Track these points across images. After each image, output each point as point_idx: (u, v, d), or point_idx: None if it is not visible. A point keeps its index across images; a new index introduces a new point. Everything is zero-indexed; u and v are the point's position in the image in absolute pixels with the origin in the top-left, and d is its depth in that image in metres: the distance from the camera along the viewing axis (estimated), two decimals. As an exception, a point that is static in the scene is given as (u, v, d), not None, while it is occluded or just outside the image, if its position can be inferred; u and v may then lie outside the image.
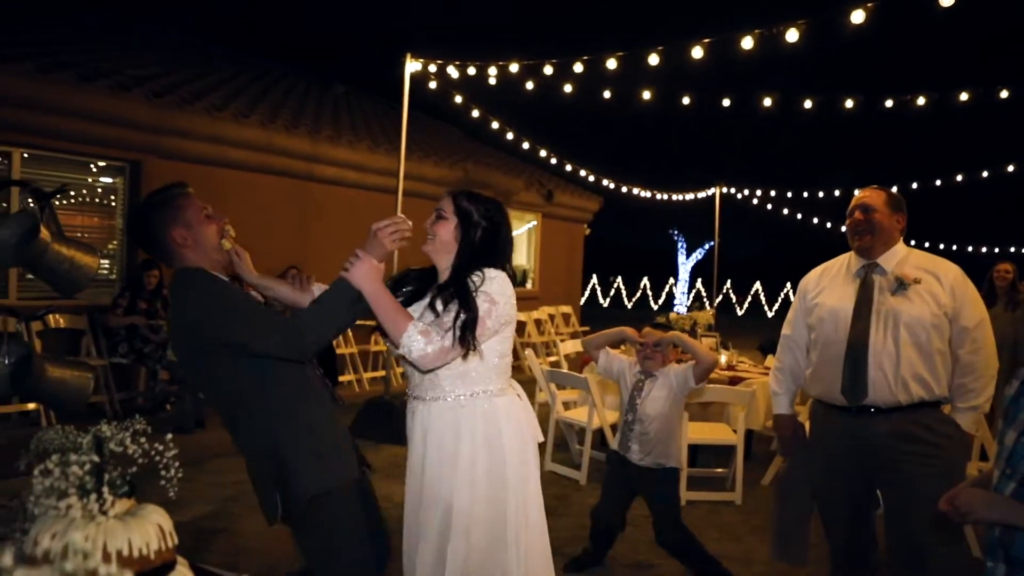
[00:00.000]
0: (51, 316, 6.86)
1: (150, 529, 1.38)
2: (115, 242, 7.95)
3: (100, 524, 1.31)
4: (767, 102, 7.04)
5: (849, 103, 6.90)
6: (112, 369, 7.08)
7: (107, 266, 7.98)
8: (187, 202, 2.46)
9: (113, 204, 7.94)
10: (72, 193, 7.82)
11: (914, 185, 11.32)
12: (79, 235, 7.42)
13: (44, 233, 1.90)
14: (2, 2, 9.81)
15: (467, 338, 2.31)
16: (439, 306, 2.39)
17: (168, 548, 1.41)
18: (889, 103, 6.88)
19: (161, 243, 2.38)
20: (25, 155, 7.05)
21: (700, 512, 5.20)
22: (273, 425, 2.39)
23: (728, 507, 5.38)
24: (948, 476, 2.81)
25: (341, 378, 8.83)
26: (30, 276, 6.84)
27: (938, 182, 11.14)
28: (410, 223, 2.43)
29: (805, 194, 13.11)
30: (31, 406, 6.26)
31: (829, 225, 14.68)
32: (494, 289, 2.39)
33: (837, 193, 12.36)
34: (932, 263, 3.16)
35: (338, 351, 8.90)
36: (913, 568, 3.02)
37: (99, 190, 7.93)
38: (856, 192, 3.36)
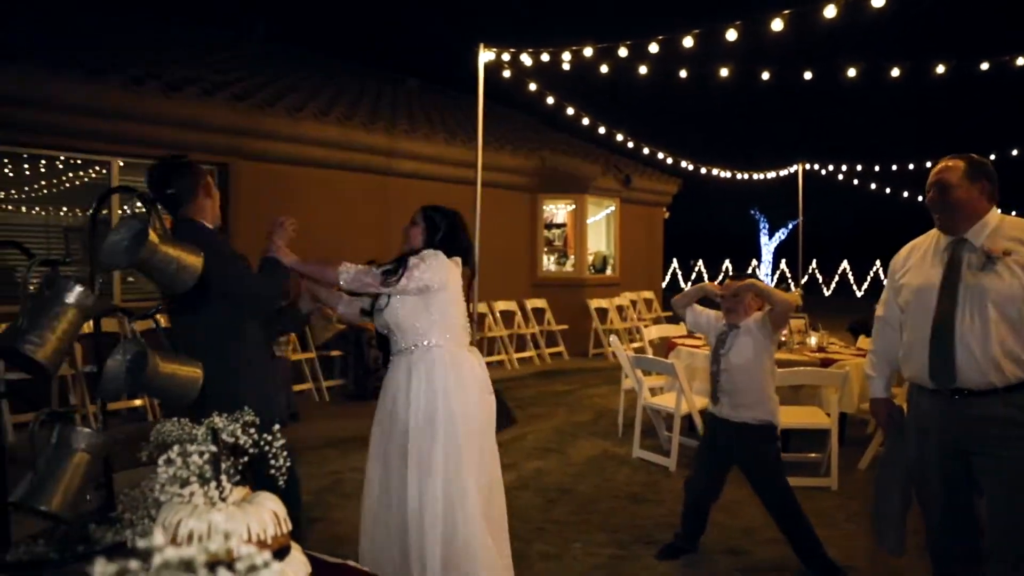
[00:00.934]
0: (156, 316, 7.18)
1: (266, 516, 1.44)
2: (207, 243, 8.26)
3: (221, 510, 1.37)
4: (850, 72, 6.77)
5: (940, 68, 6.58)
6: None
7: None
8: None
9: (204, 207, 8.25)
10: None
11: (1014, 152, 10.70)
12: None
13: (152, 236, 1.99)
14: (86, 18, 10.30)
15: (387, 275, 3.27)
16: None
17: (283, 533, 1.46)
18: (984, 66, 6.52)
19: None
20: (121, 164, 7.39)
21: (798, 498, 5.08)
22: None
23: (824, 493, 5.24)
24: None
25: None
26: (131, 279, 7.19)
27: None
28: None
29: (894, 167, 12.55)
30: (138, 402, 6.59)
31: (921, 198, 13.99)
32: (427, 255, 3.30)
33: (929, 164, 11.77)
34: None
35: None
36: (1011, 563, 2.86)
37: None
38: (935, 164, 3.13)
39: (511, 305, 10.73)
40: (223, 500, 1.40)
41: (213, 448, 1.43)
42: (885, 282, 3.44)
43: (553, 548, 4.23)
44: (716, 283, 4.21)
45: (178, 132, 7.41)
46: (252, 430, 1.67)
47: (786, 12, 5.33)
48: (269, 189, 8.25)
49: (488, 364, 10.88)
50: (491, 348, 10.47)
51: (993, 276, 2.87)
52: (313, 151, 8.64)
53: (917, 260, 3.16)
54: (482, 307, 9.72)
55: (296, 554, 1.50)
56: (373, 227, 9.28)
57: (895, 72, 6.78)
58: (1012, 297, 2.83)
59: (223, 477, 1.42)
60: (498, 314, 10.47)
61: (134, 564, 0.66)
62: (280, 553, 1.46)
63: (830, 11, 5.16)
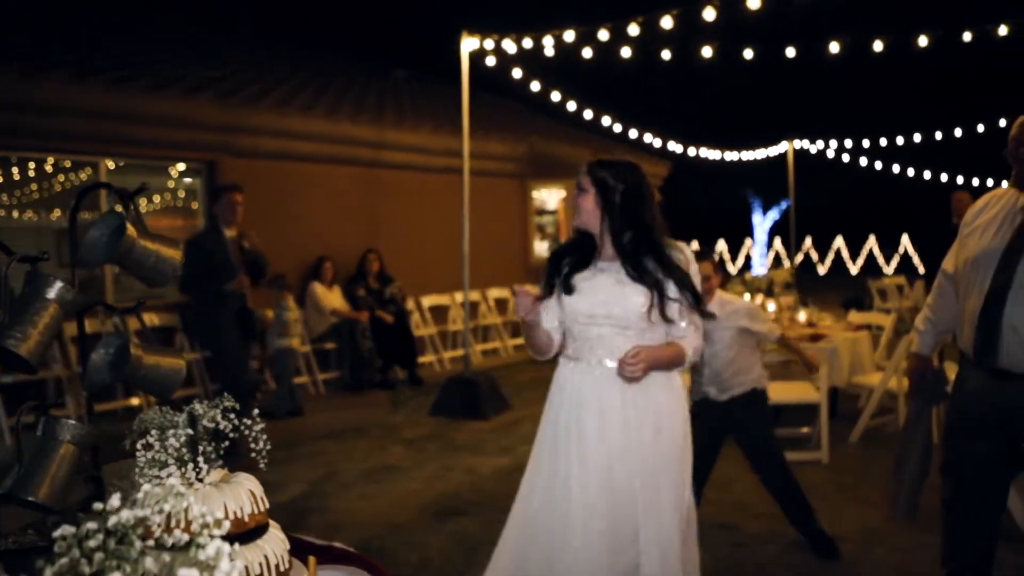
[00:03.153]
0: (145, 315, 7.21)
1: (243, 495, 1.48)
2: (199, 241, 8.28)
3: (198, 490, 1.41)
4: (833, 48, 6.79)
5: (923, 41, 6.60)
6: (205, 363, 7.42)
7: (193, 265, 8.33)
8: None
9: (194, 205, 8.27)
10: (156, 198, 8.18)
11: (1002, 122, 10.68)
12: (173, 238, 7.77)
13: (130, 230, 2.02)
14: (69, 18, 10.28)
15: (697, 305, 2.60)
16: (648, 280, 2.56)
17: (261, 512, 1.51)
18: (967, 36, 6.53)
19: None
20: (110, 165, 7.40)
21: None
22: None
23: (815, 467, 5.30)
24: None
25: (421, 359, 9.02)
26: (124, 279, 7.23)
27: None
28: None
29: (883, 141, 12.53)
30: (135, 401, 6.63)
31: (912, 173, 13.97)
32: (694, 266, 2.66)
33: (917, 139, 11.80)
34: None
35: (417, 332, 9.09)
36: None
37: (180, 192, 8.27)
38: (1019, 118, 2.81)
39: (504, 292, 10.77)
40: (200, 481, 1.44)
41: (190, 431, 1.47)
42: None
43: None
44: None
45: (164, 131, 7.41)
46: (232, 415, 1.71)
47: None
48: (258, 185, 8.25)
49: (483, 351, 10.91)
50: (486, 335, 10.52)
51: None
52: (300, 145, 8.64)
53: (987, 219, 2.85)
54: (475, 295, 9.76)
55: (274, 531, 1.55)
56: (363, 219, 9.30)
57: (878, 46, 6.80)
58: None
59: (200, 459, 1.46)
60: (492, 301, 10.52)
61: (91, 524, 0.70)
62: (258, 531, 1.50)
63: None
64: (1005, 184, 2.91)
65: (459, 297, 8.31)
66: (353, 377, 8.24)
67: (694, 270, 2.61)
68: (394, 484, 5.16)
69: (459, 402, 6.94)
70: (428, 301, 9.69)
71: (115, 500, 0.71)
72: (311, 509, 4.69)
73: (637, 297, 2.52)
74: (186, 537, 0.72)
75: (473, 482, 5.19)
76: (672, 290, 2.52)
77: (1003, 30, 6.49)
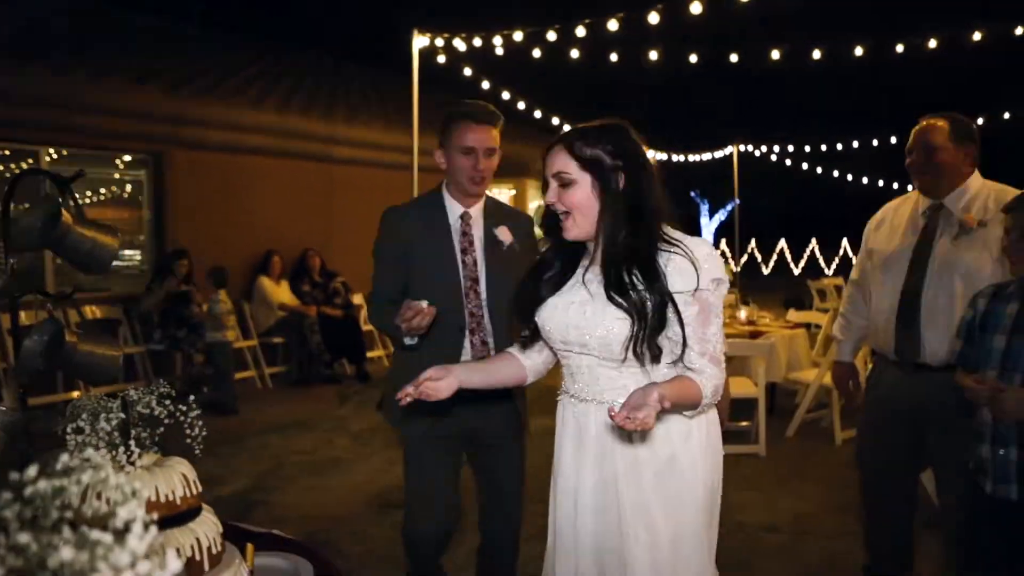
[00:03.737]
0: (88, 307, 7.11)
1: (175, 477, 1.51)
2: (144, 234, 8.16)
3: (129, 473, 1.44)
4: (775, 55, 6.99)
5: (859, 51, 6.84)
6: (149, 356, 7.31)
7: (138, 257, 8.20)
8: (458, 129, 2.67)
9: (140, 197, 8.14)
10: (102, 189, 8.03)
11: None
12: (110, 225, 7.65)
13: (66, 216, 2.03)
14: (8, 2, 10.00)
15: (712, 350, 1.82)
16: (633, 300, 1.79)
17: (193, 495, 1.54)
18: (900, 47, 6.80)
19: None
20: (52, 153, 7.25)
21: (726, 464, 5.26)
22: None
23: (752, 459, 5.46)
24: None
25: (369, 354, 9.01)
26: (67, 271, 7.08)
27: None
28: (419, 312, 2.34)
29: (823, 147, 12.94)
30: (75, 394, 6.51)
31: (850, 177, 14.45)
32: (714, 270, 1.81)
33: (856, 144, 12.20)
34: (1008, 199, 2.70)
35: (365, 327, 9.07)
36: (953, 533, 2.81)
37: (127, 184, 8.13)
38: (919, 121, 2.91)
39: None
40: (131, 464, 1.47)
41: (121, 415, 1.49)
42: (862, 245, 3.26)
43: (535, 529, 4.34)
44: None
45: (109, 121, 7.29)
46: (167, 401, 1.73)
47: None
48: (206, 178, 8.17)
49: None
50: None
51: (964, 248, 2.76)
52: (251, 138, 8.56)
53: (891, 225, 3.02)
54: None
55: (207, 515, 1.58)
56: (315, 214, 9.25)
57: (816, 54, 7.03)
58: (980, 272, 2.71)
59: (132, 443, 1.49)
60: (442, 298, 10.53)
61: (6, 495, 0.73)
62: (190, 514, 1.53)
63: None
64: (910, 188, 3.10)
65: (408, 293, 8.29)
66: (300, 371, 8.21)
67: (710, 278, 1.80)
68: (339, 477, 5.17)
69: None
70: (378, 297, 9.66)
71: (32, 470, 0.74)
72: (255, 502, 4.68)
73: (616, 323, 1.80)
74: (104, 507, 0.76)
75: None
76: (665, 317, 1.78)
77: (932, 43, 6.77)
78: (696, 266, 1.78)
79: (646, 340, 1.77)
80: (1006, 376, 2.27)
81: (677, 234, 1.84)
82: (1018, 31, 6.70)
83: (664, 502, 1.86)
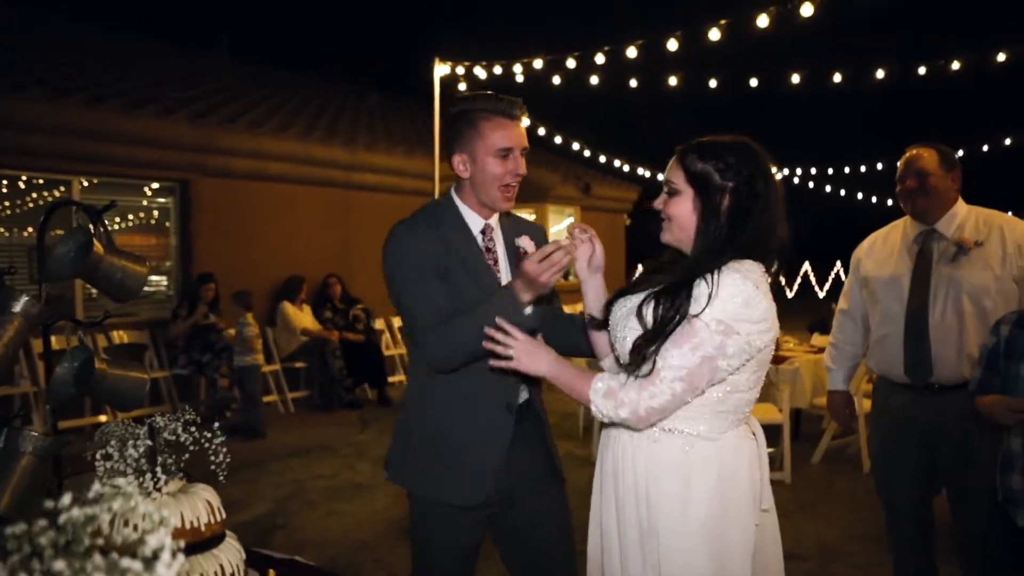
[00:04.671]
0: (115, 332, 7.22)
1: (200, 504, 1.53)
2: (171, 260, 8.28)
3: (155, 499, 1.47)
4: (794, 79, 7.02)
5: (880, 73, 6.84)
6: (174, 381, 7.40)
7: (165, 283, 8.33)
8: (488, 128, 2.16)
9: (167, 224, 8.28)
10: (130, 216, 8.18)
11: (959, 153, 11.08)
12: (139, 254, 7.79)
13: (98, 247, 2.08)
14: (44, 36, 10.27)
15: (676, 389, 1.66)
16: (647, 316, 1.75)
17: (217, 522, 1.56)
18: (922, 70, 6.79)
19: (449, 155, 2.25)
20: (84, 183, 7.40)
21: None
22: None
23: (778, 486, 5.35)
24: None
25: (391, 379, 9.04)
26: (94, 295, 7.20)
27: (985, 147, 10.92)
28: (575, 243, 2.01)
29: (847, 169, 12.91)
30: (103, 418, 6.59)
31: (874, 200, 14.44)
32: (728, 312, 1.65)
33: (880, 166, 12.18)
34: (997, 220, 2.90)
35: (387, 352, 9.12)
36: (976, 553, 2.85)
37: (154, 211, 8.28)
38: (905, 152, 3.04)
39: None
40: (158, 490, 1.49)
41: (148, 442, 1.52)
42: (849, 274, 3.33)
43: None
44: None
45: (138, 150, 7.44)
46: (192, 428, 1.76)
47: (723, 22, 5.54)
48: (230, 205, 8.30)
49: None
50: (457, 357, 10.55)
51: (965, 267, 2.83)
52: (273, 166, 8.69)
53: (884, 252, 3.09)
54: (446, 316, 9.81)
55: (230, 542, 1.60)
56: (335, 240, 9.35)
57: (837, 78, 7.04)
58: (985, 288, 2.79)
59: (158, 469, 1.52)
60: (463, 323, 10.56)
61: (41, 522, 0.76)
62: (214, 540, 1.55)
63: (763, 20, 5.38)
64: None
65: (430, 318, 8.34)
66: (322, 396, 8.25)
67: (716, 318, 1.65)
68: (361, 502, 5.18)
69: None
70: (399, 322, 9.73)
71: (66, 499, 0.76)
72: (277, 527, 4.69)
73: (631, 333, 1.78)
74: (134, 535, 0.78)
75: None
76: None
77: (955, 65, 6.77)
78: (710, 297, 1.66)
79: (641, 350, 1.72)
80: None
81: (739, 271, 1.68)
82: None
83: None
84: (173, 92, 8.81)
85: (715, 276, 1.67)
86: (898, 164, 3.06)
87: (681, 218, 1.79)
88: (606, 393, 1.72)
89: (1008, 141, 10.98)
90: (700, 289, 1.68)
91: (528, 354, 1.81)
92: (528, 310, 1.99)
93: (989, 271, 2.81)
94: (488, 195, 2.19)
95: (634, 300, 1.83)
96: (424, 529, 2.34)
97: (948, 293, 2.84)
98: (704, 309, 1.65)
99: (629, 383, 1.71)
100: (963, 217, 2.93)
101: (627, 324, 1.80)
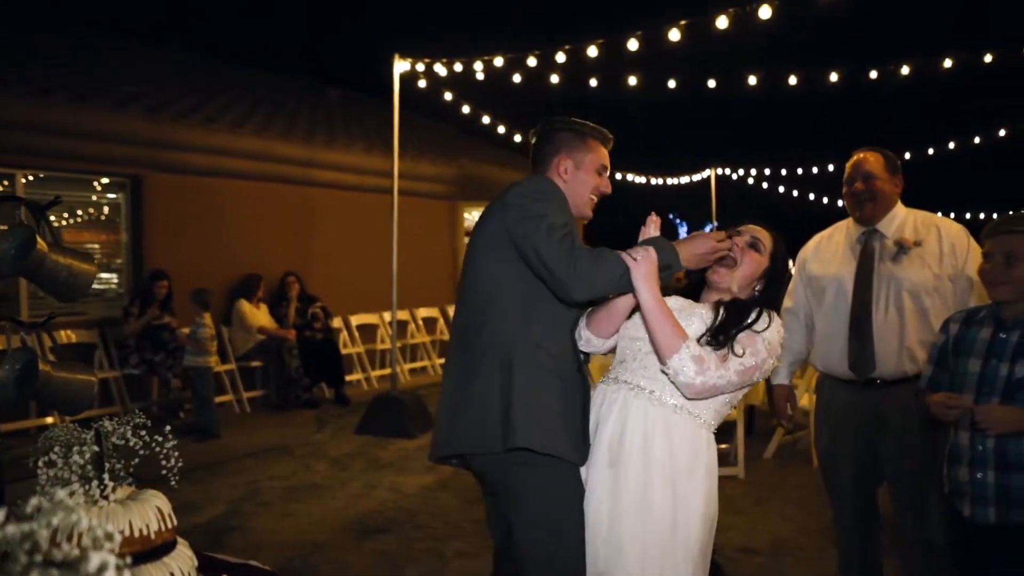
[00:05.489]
0: (63, 332, 7.03)
1: (150, 512, 1.50)
2: (121, 258, 8.09)
3: (102, 508, 1.43)
4: (751, 80, 7.11)
5: (834, 76, 6.98)
6: (125, 380, 7.23)
7: (115, 281, 8.13)
8: (595, 147, 2.49)
9: (117, 220, 8.08)
10: (79, 212, 7.97)
11: (907, 156, 11.35)
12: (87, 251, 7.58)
13: (41, 244, 2.02)
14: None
15: (734, 379, 2.09)
16: (719, 314, 2.18)
17: (168, 529, 1.53)
18: (873, 74, 6.95)
19: (545, 159, 2.49)
20: (29, 177, 7.19)
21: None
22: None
23: (731, 481, 5.47)
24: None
25: (349, 377, 8.96)
26: (42, 296, 7.00)
27: (930, 151, 11.21)
28: (735, 245, 2.32)
29: (799, 170, 13.18)
30: (49, 420, 6.41)
31: (826, 200, 14.78)
32: (774, 340, 2.16)
33: (831, 168, 12.41)
34: (933, 222, 3.06)
35: (344, 351, 9.04)
36: (919, 527, 2.95)
37: (104, 207, 8.08)
38: (852, 155, 3.16)
39: (433, 312, 10.81)
40: (105, 498, 1.45)
41: (95, 448, 1.48)
42: (793, 274, 3.39)
43: (470, 546, 4.32)
44: None
45: (88, 144, 7.25)
46: (143, 432, 1.72)
47: (682, 23, 5.59)
48: (185, 201, 8.14)
49: (411, 370, 10.84)
50: (414, 354, 10.52)
51: (905, 266, 2.95)
52: (230, 162, 8.54)
53: (828, 252, 3.20)
54: (404, 314, 9.76)
55: (182, 549, 1.56)
56: (293, 238, 9.23)
57: (792, 80, 7.16)
58: (924, 286, 2.92)
59: (106, 476, 1.48)
60: (420, 320, 10.53)
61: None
62: (165, 548, 1.52)
63: (722, 22, 5.44)
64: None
65: (388, 316, 8.31)
66: (279, 396, 8.15)
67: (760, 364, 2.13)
68: (317, 503, 5.13)
69: (385, 420, 6.92)
70: (357, 320, 9.65)
71: (0, 514, 0.73)
72: (231, 528, 4.62)
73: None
74: (76, 551, 0.75)
75: (396, 500, 5.19)
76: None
77: (905, 70, 6.93)
78: (769, 324, 2.17)
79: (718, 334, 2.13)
80: (982, 399, 2.31)
81: (776, 317, 2.23)
82: (987, 59, 6.86)
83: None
84: (125, 85, 8.61)
85: (770, 314, 2.19)
86: (846, 166, 3.16)
87: (750, 267, 2.30)
88: (695, 357, 2.04)
89: (952, 145, 11.28)
90: (762, 316, 2.17)
91: (648, 274, 2.11)
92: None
93: (928, 269, 2.94)
94: (580, 201, 2.46)
95: (683, 302, 2.29)
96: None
97: (889, 291, 2.97)
98: (765, 330, 2.14)
99: (711, 360, 2.05)
100: (902, 218, 3.07)
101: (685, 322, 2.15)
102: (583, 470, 2.24)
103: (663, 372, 2.10)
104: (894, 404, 2.95)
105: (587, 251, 2.16)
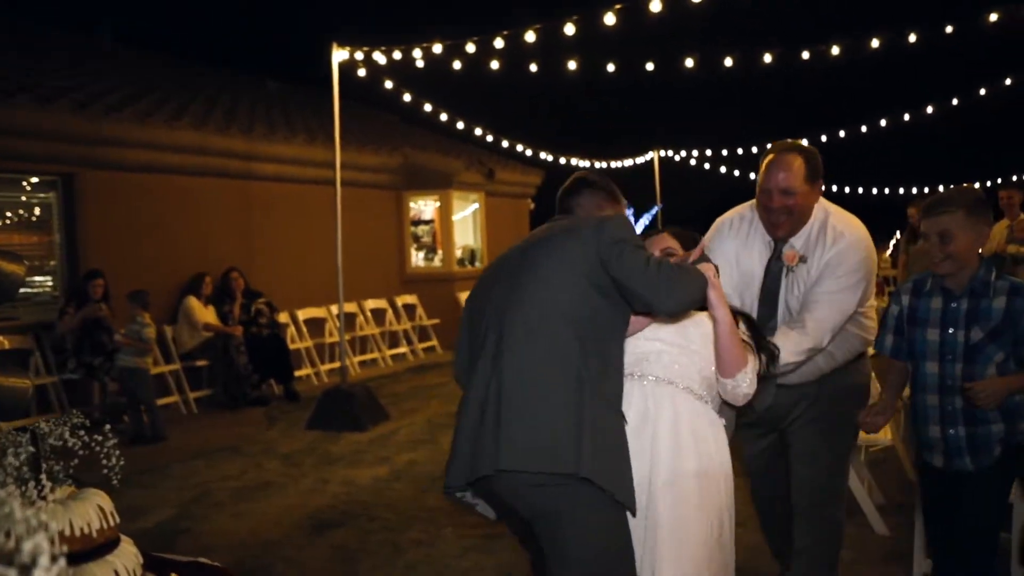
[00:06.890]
0: (-4, 338, 6.79)
1: (90, 510, 1.47)
2: (55, 259, 7.85)
3: (40, 508, 1.40)
4: (688, 63, 7.21)
5: (768, 58, 7.11)
6: (64, 386, 7.03)
7: (49, 283, 7.89)
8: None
9: (50, 220, 7.83)
10: (7, 213, 7.70)
11: (841, 133, 11.63)
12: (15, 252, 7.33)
13: (-34, 246, 1.95)
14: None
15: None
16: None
17: (110, 527, 1.50)
18: (805, 55, 7.11)
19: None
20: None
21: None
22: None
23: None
24: (844, 427, 3.00)
25: (298, 372, 8.86)
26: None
27: (863, 128, 11.53)
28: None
29: (740, 151, 13.42)
30: (-16, 429, 6.20)
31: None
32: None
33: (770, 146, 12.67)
34: (832, 233, 2.83)
35: (292, 346, 8.93)
36: (815, 521, 3.02)
37: (35, 207, 7.82)
38: (768, 153, 2.82)
39: (381, 303, 10.73)
40: (42, 499, 1.42)
41: (31, 449, 1.45)
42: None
43: (425, 535, 4.33)
44: None
45: (13, 141, 7.00)
46: (81, 432, 1.68)
47: (617, 7, 5.63)
48: (121, 199, 7.92)
49: (361, 363, 10.79)
50: (364, 347, 10.44)
51: (791, 283, 2.87)
52: (167, 157, 8.33)
53: (741, 248, 2.99)
54: (351, 306, 9.68)
55: (126, 546, 1.54)
56: (236, 232, 9.06)
57: (728, 62, 7.28)
58: (800, 300, 2.84)
59: (43, 477, 1.45)
60: (369, 312, 10.46)
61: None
62: (108, 546, 1.49)
63: (655, 5, 5.50)
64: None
65: (335, 309, 8.24)
66: (227, 394, 8.01)
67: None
68: (269, 501, 5.07)
69: (336, 415, 6.87)
70: (304, 314, 9.54)
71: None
72: (181, 531, 4.54)
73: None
74: (10, 543, 0.74)
75: (350, 493, 5.17)
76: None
77: (835, 50, 7.10)
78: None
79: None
80: (947, 364, 2.57)
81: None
82: (912, 39, 7.07)
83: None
84: (51, 79, 8.33)
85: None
86: (761, 166, 2.86)
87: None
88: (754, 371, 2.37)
89: (883, 123, 11.60)
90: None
91: (721, 293, 2.29)
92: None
93: (800, 288, 2.84)
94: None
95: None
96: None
97: (786, 306, 2.90)
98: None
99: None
100: (807, 228, 2.85)
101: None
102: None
103: (719, 382, 2.30)
104: (798, 397, 2.98)
105: (679, 268, 2.22)
